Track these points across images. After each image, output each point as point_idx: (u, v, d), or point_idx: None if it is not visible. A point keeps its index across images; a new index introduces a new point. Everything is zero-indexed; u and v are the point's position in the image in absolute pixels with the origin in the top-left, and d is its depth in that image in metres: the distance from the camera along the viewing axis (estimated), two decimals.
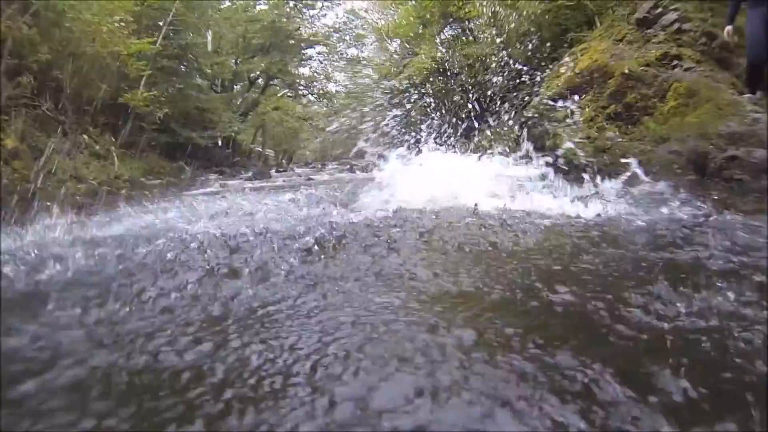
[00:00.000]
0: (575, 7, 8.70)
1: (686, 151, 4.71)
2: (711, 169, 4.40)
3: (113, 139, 11.59)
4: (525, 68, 11.17)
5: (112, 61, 10.86)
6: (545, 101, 6.87)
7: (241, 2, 24.80)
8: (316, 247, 2.30)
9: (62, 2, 7.81)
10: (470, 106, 13.98)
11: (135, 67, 11.24)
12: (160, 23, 14.23)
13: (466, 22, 14.50)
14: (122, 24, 10.00)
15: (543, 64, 9.87)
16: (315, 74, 29.94)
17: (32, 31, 7.42)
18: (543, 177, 4.66)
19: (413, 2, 16.38)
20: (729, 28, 5.14)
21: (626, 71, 5.68)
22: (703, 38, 5.80)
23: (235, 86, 26.65)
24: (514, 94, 10.91)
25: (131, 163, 11.98)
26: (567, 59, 7.25)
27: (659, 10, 6.16)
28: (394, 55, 22.30)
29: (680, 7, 6.08)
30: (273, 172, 13.78)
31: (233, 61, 24.37)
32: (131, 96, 11.90)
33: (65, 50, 8.72)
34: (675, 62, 5.57)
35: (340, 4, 27.59)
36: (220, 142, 18.76)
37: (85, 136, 10.22)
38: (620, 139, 5.53)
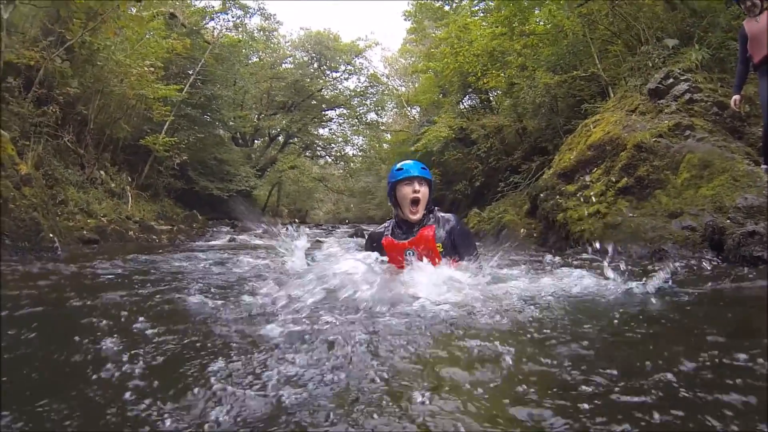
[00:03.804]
0: (589, 78, 8.84)
1: (702, 227, 4.44)
2: (729, 246, 3.95)
3: (130, 179, 11.74)
4: (539, 139, 11.31)
5: (138, 103, 11.20)
6: (557, 173, 6.80)
7: (268, 59, 25.89)
8: None
9: (97, 41, 8.13)
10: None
11: (159, 111, 11.55)
12: (189, 72, 14.84)
13: (485, 93, 14.91)
14: (152, 68, 10.36)
15: (557, 134, 9.98)
16: (333, 136, 30.62)
17: (65, 65, 7.71)
18: None
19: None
20: (736, 97, 5.06)
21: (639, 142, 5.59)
22: (715, 108, 5.73)
23: (256, 140, 27.29)
24: (528, 165, 10.95)
25: (144, 205, 12.06)
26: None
27: (671, 80, 6.15)
28: (413, 123, 22.90)
29: (690, 78, 6.08)
30: (283, 230, 13.65)
31: (255, 116, 25.14)
32: (152, 139, 12.19)
33: (94, 87, 9.01)
34: (687, 132, 5.49)
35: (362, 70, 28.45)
36: (235, 195, 18.97)
37: (102, 173, 10.37)
38: (631, 215, 5.31)
